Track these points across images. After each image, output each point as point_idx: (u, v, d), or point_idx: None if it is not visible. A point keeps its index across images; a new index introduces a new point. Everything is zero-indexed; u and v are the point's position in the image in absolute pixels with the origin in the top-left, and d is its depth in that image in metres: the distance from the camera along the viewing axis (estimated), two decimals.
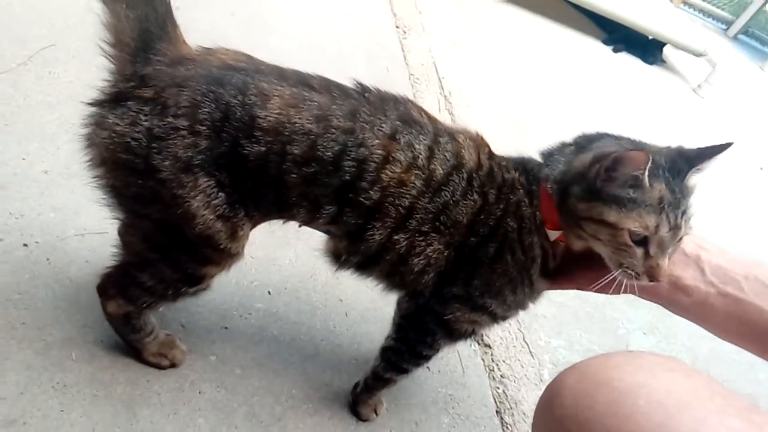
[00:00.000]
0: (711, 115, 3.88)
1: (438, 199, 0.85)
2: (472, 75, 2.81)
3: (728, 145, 0.82)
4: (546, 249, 0.91)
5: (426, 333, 0.98)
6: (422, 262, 0.89)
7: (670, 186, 0.79)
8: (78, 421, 0.95)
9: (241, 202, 0.84)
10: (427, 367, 1.30)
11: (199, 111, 0.76)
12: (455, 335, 0.98)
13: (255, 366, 1.14)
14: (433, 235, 0.87)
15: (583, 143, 0.89)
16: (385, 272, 0.94)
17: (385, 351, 1.05)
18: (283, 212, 0.88)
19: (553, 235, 0.89)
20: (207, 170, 0.78)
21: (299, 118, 0.78)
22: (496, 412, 1.32)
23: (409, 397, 1.23)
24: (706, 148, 0.83)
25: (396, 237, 0.87)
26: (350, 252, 0.91)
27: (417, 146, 0.84)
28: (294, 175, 0.81)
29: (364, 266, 0.94)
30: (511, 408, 1.34)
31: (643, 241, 0.80)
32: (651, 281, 0.82)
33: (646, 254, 0.80)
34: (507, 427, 1.30)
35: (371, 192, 0.83)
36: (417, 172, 0.84)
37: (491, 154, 0.93)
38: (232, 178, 0.80)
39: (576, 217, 0.84)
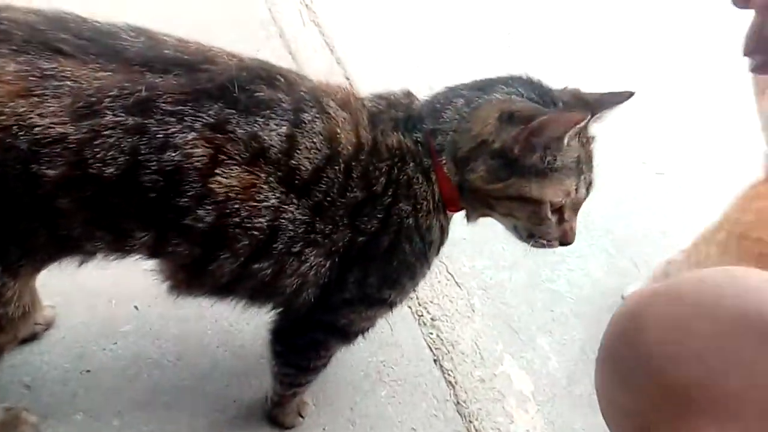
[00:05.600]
0: None
1: (309, 202, 0.65)
2: None
3: (630, 94, 0.73)
4: (444, 228, 0.79)
5: (314, 347, 0.85)
6: (296, 281, 0.71)
7: (580, 139, 0.69)
8: None
9: None
10: None
11: None
12: (351, 337, 0.87)
13: (136, 408, 0.93)
14: (308, 250, 0.68)
15: (470, 96, 0.73)
16: (246, 297, 0.76)
17: (275, 375, 0.91)
18: (71, 250, 0.64)
19: (453, 214, 0.79)
20: None
21: (39, 116, 0.49)
22: (434, 360, 1.23)
23: (337, 382, 1.08)
24: (606, 95, 0.73)
25: (256, 266, 0.67)
26: (191, 285, 0.71)
27: (265, 136, 0.60)
28: (64, 201, 0.55)
29: (215, 294, 0.75)
30: (448, 352, 1.25)
31: (558, 208, 0.71)
32: (562, 245, 0.76)
33: (560, 220, 0.73)
34: (448, 374, 1.23)
35: (200, 211, 0.59)
36: (270, 171, 0.61)
37: (371, 121, 0.71)
38: None
39: (484, 197, 0.71)
